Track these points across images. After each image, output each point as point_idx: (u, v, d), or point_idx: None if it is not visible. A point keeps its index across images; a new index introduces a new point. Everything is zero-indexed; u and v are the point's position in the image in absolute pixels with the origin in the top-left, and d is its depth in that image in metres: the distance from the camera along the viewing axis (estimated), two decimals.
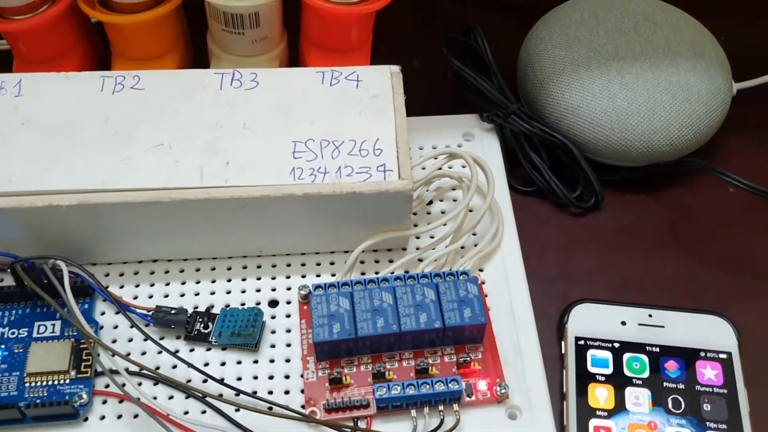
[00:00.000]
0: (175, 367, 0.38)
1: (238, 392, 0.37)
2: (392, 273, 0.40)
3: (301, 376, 0.38)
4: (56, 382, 0.37)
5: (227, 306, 0.40)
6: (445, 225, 0.41)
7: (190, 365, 0.37)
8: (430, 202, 0.44)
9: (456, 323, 0.36)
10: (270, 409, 0.36)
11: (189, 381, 0.38)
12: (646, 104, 0.44)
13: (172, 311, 0.39)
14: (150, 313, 0.39)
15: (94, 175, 0.37)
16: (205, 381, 0.38)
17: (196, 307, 0.40)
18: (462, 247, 0.42)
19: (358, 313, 0.37)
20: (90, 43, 0.47)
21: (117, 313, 0.40)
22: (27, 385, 0.37)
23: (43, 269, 0.37)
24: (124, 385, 0.36)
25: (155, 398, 0.37)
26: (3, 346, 0.38)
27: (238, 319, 0.38)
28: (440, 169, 0.42)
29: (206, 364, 0.38)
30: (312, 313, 0.37)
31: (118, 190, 0.37)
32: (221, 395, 0.37)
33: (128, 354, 0.38)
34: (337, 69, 0.41)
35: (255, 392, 0.37)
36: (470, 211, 0.42)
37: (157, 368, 0.38)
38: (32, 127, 0.39)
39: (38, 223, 0.38)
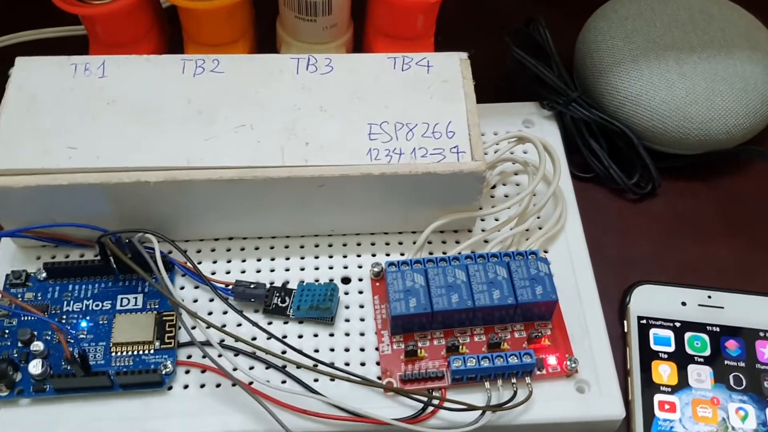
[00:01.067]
0: (254, 338, 0.39)
1: (317, 362, 0.38)
2: (460, 253, 0.41)
3: (376, 349, 0.39)
4: (141, 352, 0.38)
5: (302, 282, 0.41)
6: (509, 208, 0.43)
7: (271, 335, 0.38)
8: (494, 186, 0.45)
9: (528, 300, 0.38)
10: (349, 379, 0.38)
11: (268, 353, 0.39)
12: (704, 93, 0.45)
13: (252, 285, 0.40)
14: (229, 287, 0.40)
15: (179, 153, 0.39)
16: (284, 352, 0.39)
17: (273, 283, 0.41)
18: (527, 230, 0.43)
19: (432, 288, 0.38)
20: (162, 29, 0.48)
21: (196, 287, 0.41)
22: (113, 354, 0.38)
23: (132, 242, 0.38)
24: (220, 355, 0.38)
25: (235, 369, 0.38)
26: (88, 318, 0.39)
27: (316, 294, 0.40)
28: (512, 153, 0.43)
29: (284, 337, 0.40)
30: (388, 288, 0.38)
31: (203, 168, 0.38)
32: (300, 366, 0.38)
33: (208, 327, 0.40)
34: (408, 55, 0.43)
35: (332, 363, 0.38)
36: (534, 194, 0.43)
37: (238, 340, 0.39)
38: (118, 107, 0.40)
39: (124, 199, 0.39)
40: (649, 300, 0.42)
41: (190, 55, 0.42)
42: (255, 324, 0.38)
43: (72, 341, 0.38)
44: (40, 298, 0.40)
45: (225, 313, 0.40)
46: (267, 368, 0.39)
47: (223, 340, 0.39)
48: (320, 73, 0.42)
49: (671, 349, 0.40)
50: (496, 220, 0.44)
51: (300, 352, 0.38)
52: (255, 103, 0.41)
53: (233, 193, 0.39)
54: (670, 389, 0.39)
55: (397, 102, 0.41)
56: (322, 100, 0.41)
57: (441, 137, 0.40)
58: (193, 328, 0.39)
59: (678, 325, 0.41)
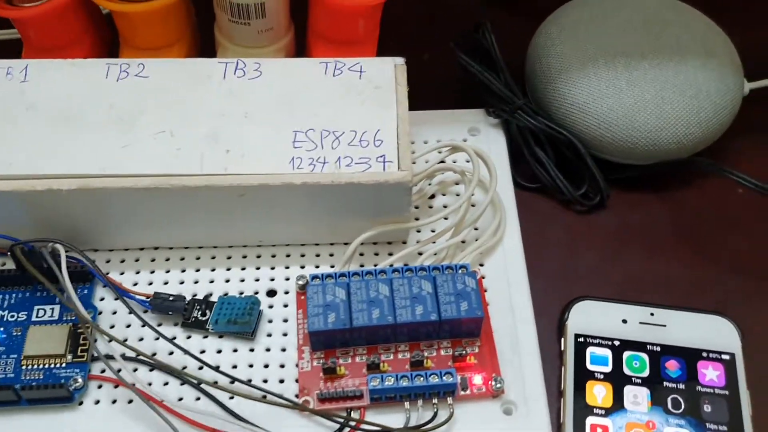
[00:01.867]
0: (171, 353, 0.38)
1: (233, 380, 0.36)
2: (391, 266, 0.39)
3: (296, 365, 0.38)
4: (52, 366, 0.37)
5: (225, 294, 0.40)
6: (446, 219, 0.41)
7: (186, 352, 0.37)
8: (432, 196, 0.44)
9: (452, 316, 0.36)
10: (264, 397, 0.36)
11: (185, 368, 0.38)
12: (653, 101, 0.44)
13: (170, 298, 0.39)
14: (149, 299, 0.39)
15: (95, 160, 0.38)
16: (200, 368, 0.38)
17: (195, 295, 0.40)
18: (463, 242, 0.41)
19: (353, 303, 0.37)
20: (99, 32, 0.47)
21: (116, 299, 0.40)
22: (24, 367, 0.37)
23: (42, 253, 0.37)
24: (119, 370, 0.36)
25: (150, 384, 0.37)
26: (2, 329, 0.38)
27: (235, 307, 0.38)
28: (443, 162, 0.42)
29: (202, 351, 0.38)
30: (308, 303, 0.37)
31: (118, 175, 0.37)
32: (216, 383, 0.37)
33: (125, 340, 0.38)
34: (341, 60, 0.41)
35: (250, 380, 0.37)
36: (473, 205, 0.42)
37: (154, 354, 0.38)
38: (37, 113, 0.39)
39: (39, 207, 0.38)
40: (589, 317, 0.40)
41: (116, 60, 0.41)
42: (168, 339, 0.37)
43: None
44: None
45: (143, 326, 0.39)
46: (182, 384, 0.37)
47: (138, 355, 0.37)
48: (248, 78, 0.41)
49: (608, 369, 0.39)
50: (433, 231, 0.42)
51: (215, 368, 0.37)
52: (178, 108, 0.39)
53: (151, 202, 0.38)
54: (603, 411, 0.37)
55: (326, 109, 0.40)
56: (248, 106, 0.40)
57: (368, 146, 0.38)
58: (110, 341, 0.38)
59: (617, 343, 0.39)
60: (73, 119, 0.39)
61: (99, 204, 0.38)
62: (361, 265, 0.41)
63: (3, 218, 0.38)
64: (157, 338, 0.38)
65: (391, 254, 0.41)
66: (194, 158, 0.38)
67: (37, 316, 0.39)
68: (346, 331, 0.36)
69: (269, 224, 0.40)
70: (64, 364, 0.37)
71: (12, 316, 0.39)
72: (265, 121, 0.39)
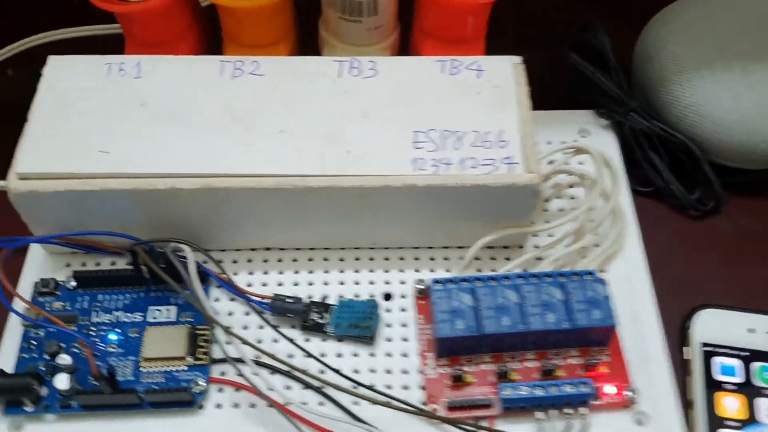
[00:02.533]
0: (291, 356, 0.37)
1: (357, 384, 0.36)
2: (510, 271, 0.38)
3: (420, 372, 0.37)
4: (172, 369, 0.36)
5: (341, 297, 0.39)
6: (564, 224, 0.40)
7: (309, 354, 0.36)
8: (547, 199, 0.43)
9: (585, 324, 0.35)
10: (389, 403, 0.35)
11: (306, 372, 0.37)
12: None
13: (290, 300, 0.38)
14: (267, 301, 0.38)
15: (215, 159, 0.37)
16: (322, 372, 0.37)
17: (311, 297, 0.39)
18: (583, 248, 0.40)
19: (482, 310, 0.36)
20: (201, 28, 0.46)
21: (231, 300, 0.39)
22: (143, 370, 0.36)
23: (165, 253, 0.36)
24: (239, 374, 0.36)
25: (270, 389, 0.36)
26: (119, 330, 0.37)
27: (356, 311, 0.37)
28: (567, 164, 0.41)
29: (323, 355, 0.37)
30: (433, 308, 0.36)
31: (240, 175, 0.36)
32: (339, 388, 0.36)
33: (243, 343, 0.38)
34: (457, 58, 0.40)
35: (373, 386, 0.36)
36: (591, 210, 0.40)
37: (274, 358, 0.37)
38: (152, 109, 0.38)
39: (155, 207, 0.37)
40: (714, 325, 0.39)
41: (229, 57, 0.40)
42: (292, 341, 0.36)
43: (99, 356, 0.36)
44: (68, 308, 0.38)
45: (261, 328, 0.38)
46: (304, 388, 0.36)
47: (258, 358, 0.36)
48: (363, 77, 0.40)
49: (738, 379, 0.37)
50: (550, 236, 0.41)
51: (339, 373, 0.36)
52: (295, 107, 0.39)
53: (271, 202, 0.37)
54: (738, 424, 0.36)
55: (444, 108, 0.39)
56: (364, 106, 0.39)
57: (492, 147, 0.37)
58: (228, 343, 0.37)
59: (746, 353, 0.38)
60: (189, 117, 0.38)
61: (217, 204, 0.37)
62: (478, 270, 0.40)
63: (117, 217, 0.38)
64: (276, 340, 0.38)
65: (508, 259, 0.40)
66: (315, 158, 0.37)
67: (153, 318, 0.38)
68: (475, 338, 0.35)
69: (387, 226, 0.39)
70: (184, 367, 0.36)
71: (127, 317, 0.38)
72: (383, 121, 0.38)
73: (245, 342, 0.35)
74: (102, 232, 0.37)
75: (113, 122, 0.38)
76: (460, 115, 0.38)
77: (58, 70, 0.40)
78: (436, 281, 0.37)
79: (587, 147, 0.40)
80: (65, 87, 0.39)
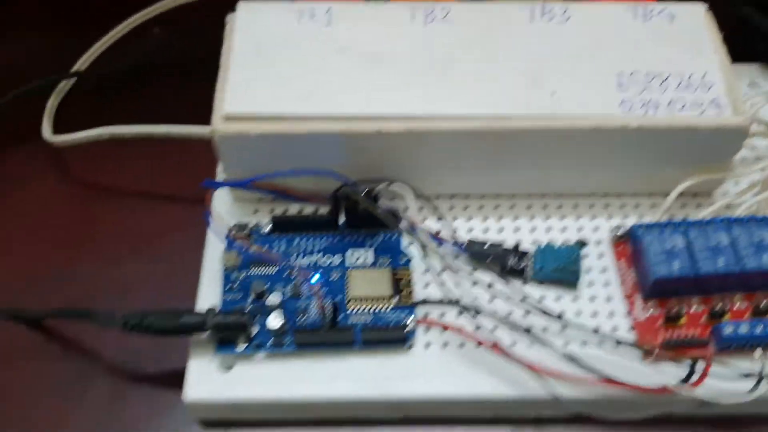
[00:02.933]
0: (493, 298, 0.37)
1: (567, 323, 0.35)
2: (707, 217, 0.38)
3: (628, 314, 0.37)
4: (379, 309, 0.36)
5: (538, 244, 0.39)
6: (759, 171, 0.40)
7: (519, 296, 0.36)
8: None
9: None
10: (601, 343, 0.35)
11: (510, 314, 0.37)
12: None
13: (487, 245, 0.38)
14: (463, 245, 0.38)
15: (419, 102, 0.37)
16: (526, 314, 0.37)
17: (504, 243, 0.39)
18: None
19: (695, 251, 0.35)
20: None
21: (424, 247, 0.39)
22: (350, 310, 0.36)
23: (377, 194, 0.36)
24: (443, 314, 0.36)
25: (478, 329, 0.36)
26: (319, 273, 0.37)
27: (560, 255, 0.37)
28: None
29: (522, 299, 0.37)
30: (647, 250, 0.36)
31: (445, 117, 0.36)
32: (545, 330, 0.36)
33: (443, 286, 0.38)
34: (648, 4, 0.40)
35: (583, 325, 0.36)
36: None
37: (474, 301, 0.37)
38: (350, 55, 0.38)
39: (360, 150, 0.37)
40: None
41: (419, 3, 0.40)
42: (501, 281, 0.36)
43: (323, 291, 0.36)
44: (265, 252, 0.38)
45: (457, 272, 0.38)
46: (511, 329, 0.36)
47: (458, 300, 0.36)
48: (556, 22, 0.40)
49: None
50: (736, 184, 0.41)
51: (548, 313, 0.36)
52: (491, 52, 0.38)
53: (473, 145, 0.37)
54: None
55: (642, 53, 0.38)
56: (561, 50, 0.39)
57: (697, 90, 0.37)
58: (427, 286, 0.38)
59: None
60: (388, 61, 0.38)
61: (422, 147, 0.37)
62: (671, 217, 0.40)
63: (318, 160, 0.37)
64: (475, 283, 0.37)
65: (699, 206, 0.40)
66: (520, 100, 0.37)
67: (351, 261, 0.38)
68: (688, 279, 0.35)
69: (585, 171, 0.39)
70: (389, 308, 0.36)
71: (326, 261, 0.38)
72: (583, 65, 0.38)
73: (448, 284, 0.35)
74: (318, 171, 0.37)
75: (314, 67, 0.38)
76: (660, 59, 0.38)
77: (248, 16, 0.40)
78: (639, 226, 0.37)
79: None
80: (259, 33, 0.39)
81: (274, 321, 0.35)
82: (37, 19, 0.53)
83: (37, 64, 0.48)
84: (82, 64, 0.48)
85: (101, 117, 0.44)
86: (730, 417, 0.36)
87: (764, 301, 0.36)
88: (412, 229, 0.36)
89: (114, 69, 0.49)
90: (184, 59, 0.50)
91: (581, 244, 0.39)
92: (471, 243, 0.38)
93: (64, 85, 0.48)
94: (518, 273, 0.38)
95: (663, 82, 0.37)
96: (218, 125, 0.36)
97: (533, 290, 0.38)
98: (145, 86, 0.49)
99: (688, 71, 0.38)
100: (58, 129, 0.45)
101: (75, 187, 0.44)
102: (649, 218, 0.39)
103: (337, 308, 0.35)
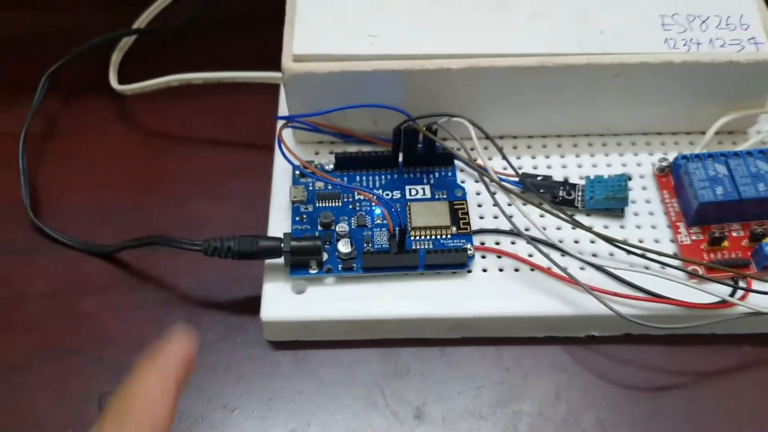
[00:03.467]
0: (544, 228, 0.39)
1: (618, 246, 0.38)
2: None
3: (672, 241, 0.39)
4: (440, 237, 0.39)
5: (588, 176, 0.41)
6: None
7: (571, 221, 0.38)
8: None
9: None
10: (648, 265, 0.38)
11: (561, 241, 0.39)
12: None
13: (540, 177, 0.40)
14: (517, 179, 0.40)
15: (478, 40, 0.39)
16: (576, 242, 0.39)
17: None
18: None
19: (736, 178, 0.38)
20: None
21: (477, 181, 0.41)
22: (413, 238, 0.39)
23: (440, 127, 0.39)
24: (498, 243, 0.38)
25: (531, 256, 0.38)
26: (380, 204, 0.40)
27: (609, 184, 0.40)
28: None
29: (574, 227, 0.40)
30: (691, 178, 0.38)
31: (503, 55, 0.39)
32: (595, 255, 0.38)
33: (495, 217, 0.40)
34: None
35: (632, 248, 0.38)
36: None
37: (527, 230, 0.39)
38: None
39: (423, 88, 0.39)
40: None
41: None
42: (554, 213, 0.38)
43: (394, 214, 0.38)
44: (330, 188, 0.41)
45: (510, 205, 0.40)
46: (562, 255, 0.38)
47: (513, 229, 0.39)
48: None
49: None
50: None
51: (603, 236, 0.38)
52: None
53: (530, 82, 0.39)
54: None
55: None
56: None
57: (736, 29, 0.40)
58: (481, 218, 0.40)
59: None
60: (446, 2, 0.40)
61: (481, 84, 0.39)
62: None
63: (381, 98, 0.40)
64: (528, 214, 0.40)
65: (734, 143, 0.43)
66: (571, 39, 0.39)
67: (410, 195, 0.40)
68: (732, 204, 0.38)
69: (629, 109, 0.41)
70: (450, 235, 0.39)
71: (387, 195, 0.40)
72: (629, 5, 0.40)
73: (507, 215, 0.37)
74: (387, 106, 0.39)
75: (376, 9, 0.40)
76: (699, 1, 0.40)
77: None
78: (684, 156, 0.39)
79: None
80: None
81: (344, 246, 0.38)
82: None
83: (100, 23, 0.50)
84: (141, 21, 0.51)
85: (162, 70, 0.46)
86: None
87: None
88: (469, 163, 0.38)
89: (172, 24, 0.51)
90: (238, 13, 0.53)
91: (627, 177, 0.41)
92: (524, 175, 0.41)
93: (126, 42, 0.50)
94: (569, 203, 0.40)
95: (703, 22, 0.40)
96: (288, 65, 0.39)
97: (583, 220, 0.40)
98: (202, 40, 0.51)
99: (727, 12, 0.40)
100: (123, 80, 0.47)
101: (144, 133, 0.47)
102: (696, 150, 0.42)
103: (405, 231, 0.37)
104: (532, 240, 0.38)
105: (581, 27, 0.39)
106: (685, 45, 0.39)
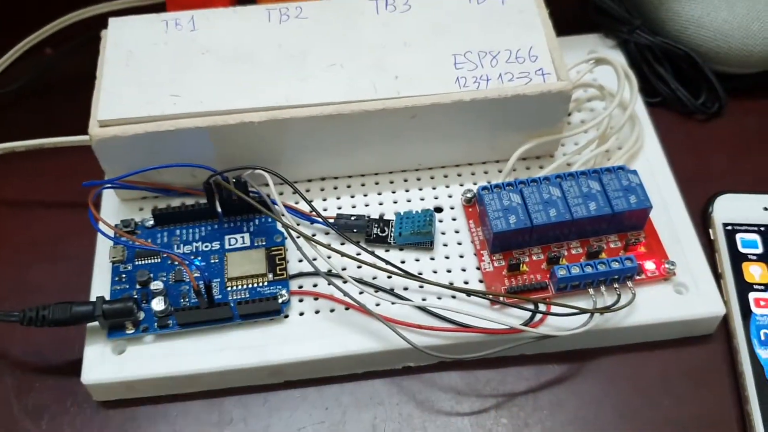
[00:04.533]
0: (359, 267, 0.41)
1: (424, 282, 0.39)
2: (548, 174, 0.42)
3: (477, 268, 0.41)
4: (256, 285, 0.40)
5: (399, 212, 0.43)
6: (586, 132, 0.44)
7: (384, 262, 0.40)
8: (569, 113, 0.47)
9: (624, 208, 0.39)
10: (453, 296, 0.39)
11: (375, 278, 0.41)
12: (765, 10, 0.47)
13: (353, 217, 0.42)
14: (330, 220, 0.42)
15: (278, 94, 0.41)
16: (389, 277, 0.41)
17: (368, 216, 0.43)
18: (606, 151, 0.44)
19: (529, 205, 0.40)
20: None
21: (297, 224, 0.43)
22: (229, 288, 0.40)
23: (244, 181, 0.40)
24: (316, 285, 0.40)
25: (345, 295, 0.40)
26: (200, 257, 0.41)
27: (415, 220, 0.41)
28: (592, 72, 0.45)
29: (385, 263, 0.41)
30: (486, 209, 0.40)
31: (302, 105, 0.40)
32: (406, 288, 0.40)
33: (314, 259, 0.41)
34: None
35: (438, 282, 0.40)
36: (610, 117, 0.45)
37: (344, 269, 0.41)
38: (213, 56, 0.42)
39: (228, 142, 0.41)
40: (732, 208, 0.44)
41: (274, 5, 0.44)
42: (368, 251, 0.40)
43: (197, 274, 0.39)
44: (149, 246, 0.42)
45: (327, 246, 0.42)
46: (376, 292, 0.40)
47: (328, 270, 0.40)
48: (399, 12, 0.44)
49: (759, 251, 0.42)
50: (576, 144, 0.46)
51: (407, 273, 0.39)
52: (341, 43, 0.42)
53: (330, 129, 0.41)
54: (763, 287, 0.41)
55: (476, 33, 0.43)
56: (404, 36, 0.43)
57: (525, 62, 0.42)
58: (300, 261, 0.41)
59: (764, 228, 0.43)
60: (248, 59, 0.42)
61: (283, 134, 0.41)
62: (515, 178, 0.44)
63: (192, 155, 0.41)
64: (342, 255, 0.41)
65: (541, 167, 0.45)
66: (367, 86, 0.41)
67: (229, 245, 0.42)
68: (526, 230, 0.39)
69: (434, 145, 0.43)
70: (266, 283, 0.40)
71: (206, 246, 0.42)
72: (423, 48, 0.42)
73: (333, 251, 0.38)
74: (185, 164, 0.40)
75: (180, 70, 0.41)
76: (492, 37, 0.42)
77: (119, 30, 0.43)
78: (484, 188, 0.41)
79: (608, 57, 0.44)
80: (128, 43, 0.42)
81: (158, 304, 0.39)
82: None
83: None
84: None
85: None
86: (576, 351, 0.40)
87: (597, 245, 0.40)
88: (277, 212, 0.40)
89: (8, 89, 0.52)
90: (74, 75, 0.53)
91: (436, 209, 0.43)
92: (339, 217, 0.42)
93: None
94: (383, 240, 0.42)
95: (494, 58, 0.42)
96: (94, 131, 0.40)
97: (396, 255, 0.42)
98: (39, 103, 0.52)
99: (517, 47, 0.42)
100: None
101: None
102: (495, 182, 0.44)
103: (210, 287, 0.38)
104: (331, 277, 0.39)
105: (376, 74, 0.41)
106: (475, 82, 0.41)
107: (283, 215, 0.39)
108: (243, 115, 0.40)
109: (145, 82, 0.41)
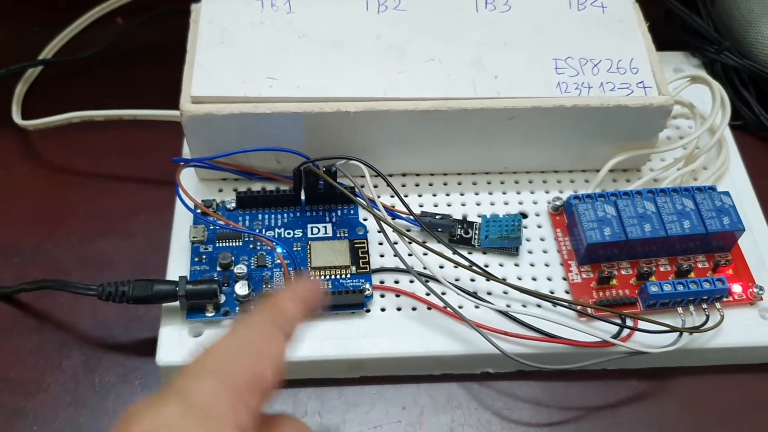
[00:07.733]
0: (441, 267, 0.40)
1: (510, 286, 0.39)
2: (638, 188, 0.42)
3: (564, 278, 0.40)
4: (339, 277, 0.39)
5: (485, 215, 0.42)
6: (675, 150, 0.44)
7: (470, 262, 0.39)
8: None
9: (717, 229, 0.39)
10: (539, 305, 0.39)
11: (457, 280, 0.40)
12: None
13: (438, 216, 0.41)
14: (416, 218, 0.41)
15: (376, 85, 0.40)
16: (472, 280, 0.40)
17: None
18: (692, 170, 0.44)
19: (624, 218, 0.39)
20: None
21: (380, 219, 0.42)
22: (312, 278, 0.39)
23: (337, 169, 0.39)
24: (397, 281, 0.39)
25: (428, 294, 0.39)
26: (283, 245, 0.40)
27: (503, 224, 0.41)
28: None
29: (470, 265, 0.40)
30: (580, 218, 0.39)
31: (400, 99, 0.40)
32: (490, 293, 0.39)
33: (409, 255, 0.41)
34: None
35: (524, 288, 0.39)
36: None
37: (424, 269, 0.40)
38: (310, 41, 0.41)
39: (321, 130, 0.40)
40: None
41: None
42: (452, 250, 0.39)
43: (288, 261, 0.38)
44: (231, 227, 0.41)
45: (410, 243, 0.41)
46: (457, 294, 0.39)
47: (411, 268, 0.39)
48: (499, 11, 0.43)
49: None
50: (662, 160, 0.45)
51: (493, 276, 0.39)
52: (440, 38, 0.42)
53: (426, 125, 0.40)
54: None
55: (577, 39, 0.42)
56: (505, 36, 0.42)
57: (626, 73, 0.41)
58: (381, 256, 0.41)
59: None
60: (346, 47, 0.41)
61: (378, 127, 0.40)
62: (603, 190, 0.44)
63: (282, 140, 0.40)
64: (425, 254, 0.40)
65: (628, 181, 0.44)
66: (466, 83, 0.40)
67: (312, 234, 0.41)
68: (619, 244, 0.39)
69: (523, 149, 0.42)
70: (349, 275, 0.39)
71: (288, 234, 0.41)
72: (524, 49, 0.42)
73: (413, 253, 0.38)
74: (284, 149, 0.39)
75: (276, 52, 0.41)
76: (593, 45, 0.42)
77: (213, 5, 0.42)
78: (576, 197, 0.41)
79: (706, 77, 0.44)
80: (224, 20, 0.42)
81: (241, 288, 0.38)
82: (2, 8, 0.54)
83: (4, 53, 0.50)
84: (48, 52, 0.50)
85: (69, 102, 0.46)
86: (657, 369, 0.39)
87: (686, 264, 0.40)
88: (369, 204, 0.39)
89: (80, 57, 0.51)
90: (147, 47, 0.52)
91: (522, 215, 0.42)
92: (423, 214, 0.41)
93: (31, 73, 0.50)
94: (467, 241, 0.41)
95: (595, 66, 0.41)
96: (186, 106, 0.39)
97: (479, 258, 0.41)
98: (110, 73, 0.51)
99: (618, 57, 0.41)
100: (27, 115, 0.47)
101: (46, 169, 0.46)
102: (583, 192, 0.43)
103: (301, 271, 0.37)
104: (420, 277, 0.38)
105: (475, 72, 0.40)
106: (576, 89, 0.40)
107: (376, 208, 0.39)
108: (339, 103, 0.39)
109: (240, 62, 0.40)
